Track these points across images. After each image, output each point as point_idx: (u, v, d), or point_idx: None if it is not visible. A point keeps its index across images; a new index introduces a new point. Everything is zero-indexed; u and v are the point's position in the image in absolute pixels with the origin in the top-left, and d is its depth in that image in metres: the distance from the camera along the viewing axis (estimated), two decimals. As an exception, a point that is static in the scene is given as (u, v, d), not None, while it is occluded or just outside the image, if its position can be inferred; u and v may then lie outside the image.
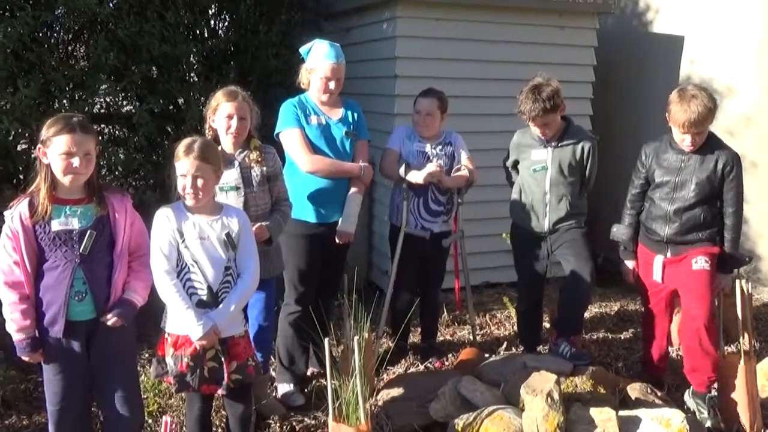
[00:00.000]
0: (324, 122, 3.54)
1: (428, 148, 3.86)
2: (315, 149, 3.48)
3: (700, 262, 3.36)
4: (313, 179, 3.50)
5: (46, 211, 2.49)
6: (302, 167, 3.47)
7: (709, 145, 3.28)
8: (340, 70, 3.52)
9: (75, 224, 2.54)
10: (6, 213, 2.51)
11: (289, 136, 3.48)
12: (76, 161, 2.47)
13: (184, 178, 2.66)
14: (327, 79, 3.48)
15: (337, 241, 3.59)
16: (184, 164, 2.65)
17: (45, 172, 2.51)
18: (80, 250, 2.53)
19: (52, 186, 2.51)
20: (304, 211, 3.53)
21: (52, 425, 2.67)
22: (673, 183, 3.36)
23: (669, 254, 3.45)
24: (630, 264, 3.70)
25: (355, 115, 3.65)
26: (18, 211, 2.48)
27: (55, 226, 2.51)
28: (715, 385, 3.47)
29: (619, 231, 3.67)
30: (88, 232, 2.55)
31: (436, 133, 3.92)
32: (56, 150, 2.46)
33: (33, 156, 4.50)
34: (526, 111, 3.53)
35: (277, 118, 3.55)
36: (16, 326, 2.51)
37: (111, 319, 2.60)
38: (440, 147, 3.89)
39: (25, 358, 2.58)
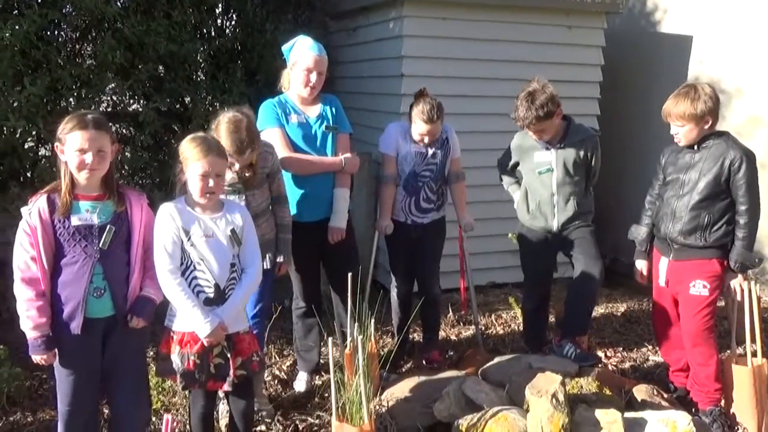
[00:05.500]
0: (304, 120, 3.52)
1: (425, 149, 3.80)
2: (296, 148, 3.47)
3: (698, 287, 3.33)
4: (296, 181, 3.50)
5: (66, 206, 2.50)
6: (282, 166, 3.44)
7: (721, 144, 3.24)
8: (323, 62, 3.48)
9: (95, 219, 2.55)
10: (23, 209, 2.52)
11: (269, 135, 3.44)
12: (88, 157, 2.49)
13: (206, 179, 2.64)
14: (309, 71, 3.44)
15: (329, 238, 3.58)
16: (206, 163, 2.63)
17: (64, 169, 2.53)
18: (99, 245, 2.54)
19: (71, 183, 2.53)
20: (294, 212, 3.52)
21: (61, 425, 2.66)
22: (681, 180, 3.35)
23: (672, 256, 3.43)
24: (640, 264, 3.68)
25: (334, 109, 3.62)
26: (37, 206, 2.50)
27: (75, 221, 2.52)
28: (722, 402, 3.45)
29: (635, 230, 3.66)
30: (108, 227, 2.56)
31: None
32: (71, 147, 2.48)
33: (40, 154, 4.56)
34: (519, 118, 3.54)
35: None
36: (31, 324, 2.49)
37: (133, 321, 2.62)
38: (437, 147, 3.82)
39: (36, 358, 2.55)
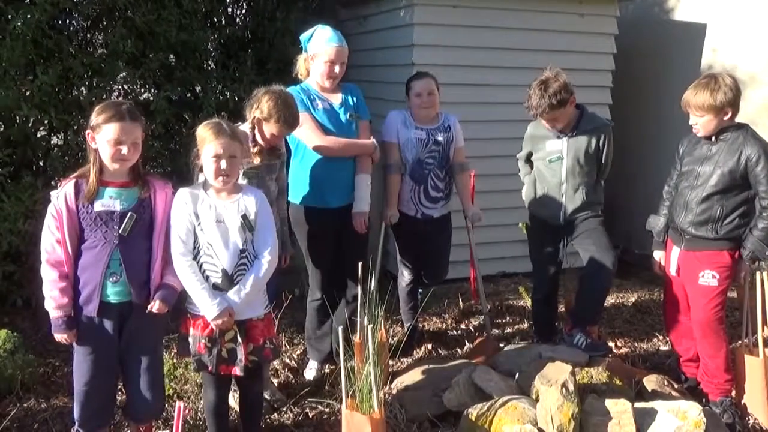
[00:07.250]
0: (328, 106, 3.51)
1: (427, 135, 3.81)
2: (326, 132, 3.46)
3: (707, 277, 3.31)
4: (321, 166, 3.49)
5: (92, 192, 2.54)
6: (318, 149, 3.44)
7: (738, 137, 3.20)
8: (344, 53, 3.48)
9: (117, 206, 2.58)
10: (52, 193, 2.58)
11: (300, 120, 3.44)
12: (124, 149, 2.53)
13: (219, 160, 2.64)
14: (332, 63, 3.43)
15: (354, 224, 3.58)
16: (218, 145, 2.64)
17: (93, 156, 2.56)
18: (119, 231, 2.57)
19: (99, 169, 2.57)
20: (313, 198, 3.53)
21: (77, 405, 2.70)
22: (696, 172, 3.32)
23: (683, 246, 3.42)
24: (658, 255, 3.66)
25: (355, 98, 3.63)
26: (64, 191, 2.55)
27: (98, 206, 2.56)
28: (733, 393, 3.44)
29: (653, 221, 3.65)
30: (129, 213, 2.59)
31: (434, 116, 3.86)
32: (106, 137, 2.51)
33: (52, 143, 4.58)
34: (533, 107, 3.52)
35: None
36: (54, 304, 2.56)
37: (153, 306, 2.64)
38: (440, 133, 3.83)
39: (58, 337, 2.61)
